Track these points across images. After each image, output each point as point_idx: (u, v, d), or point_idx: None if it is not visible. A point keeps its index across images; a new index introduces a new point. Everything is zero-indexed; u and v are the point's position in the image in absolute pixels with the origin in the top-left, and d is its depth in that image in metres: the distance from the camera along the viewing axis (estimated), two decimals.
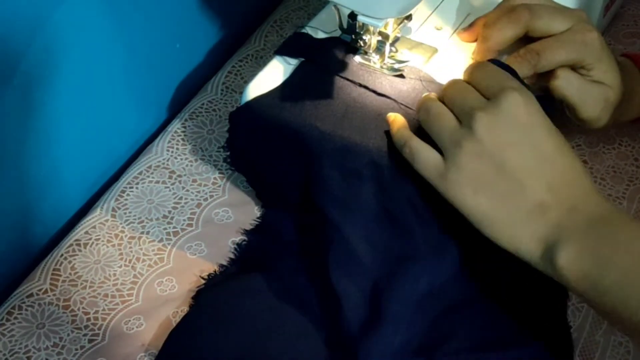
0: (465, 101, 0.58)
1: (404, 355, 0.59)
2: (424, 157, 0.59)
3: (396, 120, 0.63)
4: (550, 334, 0.60)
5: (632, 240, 0.54)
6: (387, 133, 0.65)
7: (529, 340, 0.59)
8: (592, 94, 0.65)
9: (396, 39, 0.69)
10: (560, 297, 0.62)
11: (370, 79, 0.68)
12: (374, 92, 0.68)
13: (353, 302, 0.60)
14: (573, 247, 0.53)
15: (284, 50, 0.72)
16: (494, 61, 0.64)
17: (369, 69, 0.69)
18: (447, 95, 0.61)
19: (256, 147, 0.70)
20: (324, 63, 0.70)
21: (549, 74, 0.65)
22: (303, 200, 0.66)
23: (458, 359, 0.59)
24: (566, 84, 0.64)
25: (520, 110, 0.56)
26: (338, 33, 0.72)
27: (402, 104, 0.66)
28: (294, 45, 0.72)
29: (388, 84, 0.68)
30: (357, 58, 0.70)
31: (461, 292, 0.61)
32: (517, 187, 0.55)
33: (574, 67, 0.65)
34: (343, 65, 0.70)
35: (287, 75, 0.70)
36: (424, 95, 0.63)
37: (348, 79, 0.69)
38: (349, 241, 0.61)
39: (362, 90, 0.68)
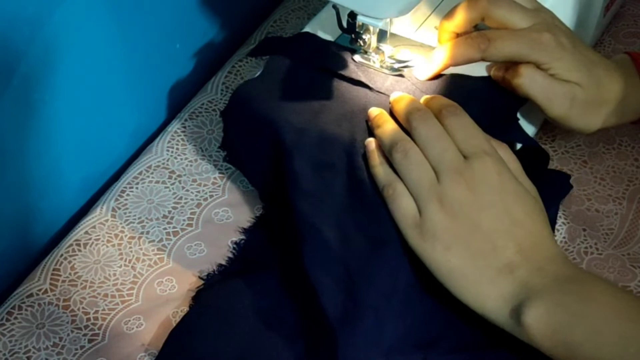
0: (443, 155, 0.60)
1: (401, 351, 0.59)
2: (404, 204, 0.60)
3: (377, 152, 0.63)
4: None
5: (601, 295, 0.55)
6: (362, 123, 0.65)
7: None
8: (557, 92, 0.65)
9: (394, 36, 0.69)
10: None
11: (343, 68, 0.69)
12: (349, 79, 0.68)
13: (330, 292, 0.59)
14: (541, 304, 0.54)
15: (255, 52, 0.74)
16: (476, 79, 0.65)
17: (348, 61, 0.70)
18: (422, 135, 0.61)
19: (241, 140, 0.70)
20: (299, 56, 0.70)
21: (513, 72, 0.65)
22: (279, 195, 0.67)
23: (455, 357, 0.59)
24: (529, 82, 0.64)
25: (493, 176, 0.59)
26: (338, 33, 0.72)
27: (377, 91, 0.67)
28: (266, 45, 0.73)
29: (362, 74, 0.68)
30: (357, 57, 0.70)
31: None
32: (488, 247, 0.57)
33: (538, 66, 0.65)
34: (318, 57, 0.70)
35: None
36: (383, 124, 0.63)
37: (324, 69, 0.69)
38: (320, 231, 0.61)
39: (338, 81, 0.68)
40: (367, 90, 0.68)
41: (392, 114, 0.65)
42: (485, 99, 0.66)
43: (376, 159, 0.63)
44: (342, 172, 0.64)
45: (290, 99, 0.68)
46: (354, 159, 0.64)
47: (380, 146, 0.63)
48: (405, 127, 0.63)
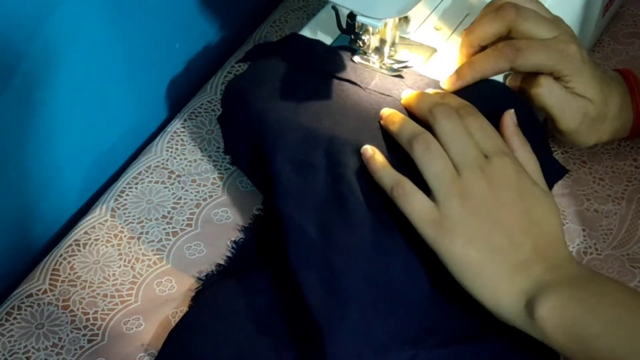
0: (466, 151, 0.60)
1: (392, 348, 0.59)
2: (418, 202, 0.59)
3: (377, 157, 0.62)
4: None
5: (617, 292, 0.55)
6: (342, 119, 0.65)
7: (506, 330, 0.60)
8: (572, 106, 0.65)
9: (393, 43, 0.69)
10: None
11: (329, 66, 0.69)
12: (334, 77, 0.68)
13: (314, 289, 0.59)
14: (556, 298, 0.55)
15: (247, 58, 0.73)
16: (488, 82, 0.65)
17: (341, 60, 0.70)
18: (446, 130, 0.61)
19: (235, 142, 0.71)
20: (286, 56, 0.71)
21: (531, 82, 0.65)
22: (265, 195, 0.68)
23: (445, 352, 0.59)
24: (548, 93, 0.65)
25: (512, 175, 0.59)
26: (337, 34, 0.72)
27: (366, 88, 0.67)
28: (257, 51, 0.73)
29: (352, 72, 0.69)
30: (357, 58, 0.70)
31: (433, 280, 0.61)
32: (507, 243, 0.58)
33: (555, 77, 0.65)
34: (306, 56, 0.70)
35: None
36: (402, 119, 0.63)
37: (310, 68, 0.69)
38: (303, 229, 0.61)
39: (321, 78, 0.68)
40: (352, 87, 0.68)
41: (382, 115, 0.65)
42: (492, 102, 0.66)
43: (378, 164, 0.62)
44: (321, 169, 0.64)
45: (272, 97, 0.68)
46: (334, 156, 0.64)
47: (376, 152, 0.63)
48: (426, 120, 0.62)
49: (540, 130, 0.67)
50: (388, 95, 0.67)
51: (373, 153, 0.63)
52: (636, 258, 0.67)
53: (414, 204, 0.59)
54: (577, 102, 0.65)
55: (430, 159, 0.60)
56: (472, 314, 0.59)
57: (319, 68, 0.69)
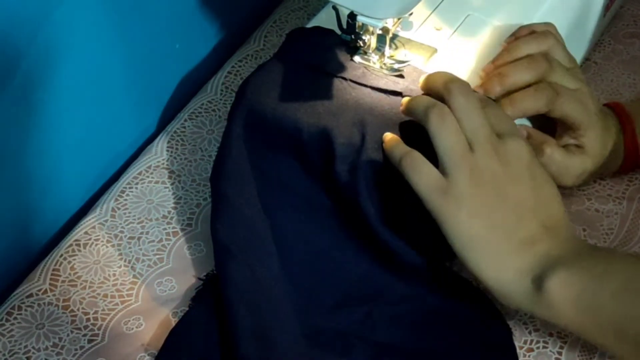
0: (480, 129, 0.59)
1: (345, 305, 0.61)
2: (426, 169, 0.59)
3: (391, 137, 0.63)
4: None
5: (622, 259, 0.57)
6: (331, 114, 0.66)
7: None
8: (571, 168, 0.66)
9: (394, 36, 0.69)
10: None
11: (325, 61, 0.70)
12: (334, 75, 0.68)
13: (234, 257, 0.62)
14: (565, 270, 0.55)
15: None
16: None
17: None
18: (462, 104, 0.60)
19: None
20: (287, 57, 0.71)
21: (536, 149, 0.65)
22: None
23: (399, 309, 0.61)
24: (549, 163, 0.65)
25: (525, 156, 0.59)
26: (338, 34, 0.72)
27: (350, 80, 0.68)
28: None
29: (350, 68, 0.69)
30: (357, 58, 0.70)
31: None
32: (512, 219, 0.58)
33: (570, 129, 0.66)
34: (304, 55, 0.71)
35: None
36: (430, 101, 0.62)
37: (311, 69, 0.69)
38: (233, 204, 0.65)
39: (323, 78, 0.69)
40: (348, 84, 0.68)
41: (371, 113, 0.65)
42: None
43: (391, 141, 0.62)
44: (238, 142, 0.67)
45: (274, 99, 0.68)
46: (254, 128, 0.66)
47: (391, 134, 0.63)
48: (442, 94, 0.61)
49: None
50: (393, 93, 0.67)
51: (390, 137, 0.63)
52: None
53: (421, 173, 0.59)
54: (577, 163, 0.66)
55: (443, 130, 0.59)
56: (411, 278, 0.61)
57: (319, 66, 0.69)
